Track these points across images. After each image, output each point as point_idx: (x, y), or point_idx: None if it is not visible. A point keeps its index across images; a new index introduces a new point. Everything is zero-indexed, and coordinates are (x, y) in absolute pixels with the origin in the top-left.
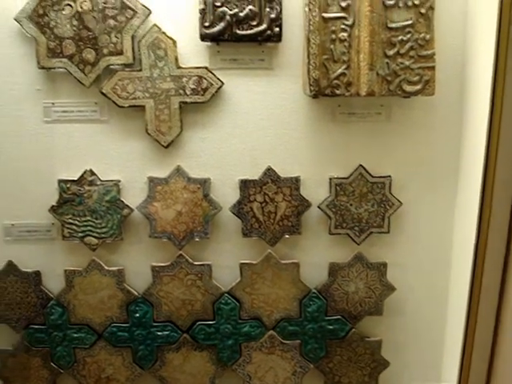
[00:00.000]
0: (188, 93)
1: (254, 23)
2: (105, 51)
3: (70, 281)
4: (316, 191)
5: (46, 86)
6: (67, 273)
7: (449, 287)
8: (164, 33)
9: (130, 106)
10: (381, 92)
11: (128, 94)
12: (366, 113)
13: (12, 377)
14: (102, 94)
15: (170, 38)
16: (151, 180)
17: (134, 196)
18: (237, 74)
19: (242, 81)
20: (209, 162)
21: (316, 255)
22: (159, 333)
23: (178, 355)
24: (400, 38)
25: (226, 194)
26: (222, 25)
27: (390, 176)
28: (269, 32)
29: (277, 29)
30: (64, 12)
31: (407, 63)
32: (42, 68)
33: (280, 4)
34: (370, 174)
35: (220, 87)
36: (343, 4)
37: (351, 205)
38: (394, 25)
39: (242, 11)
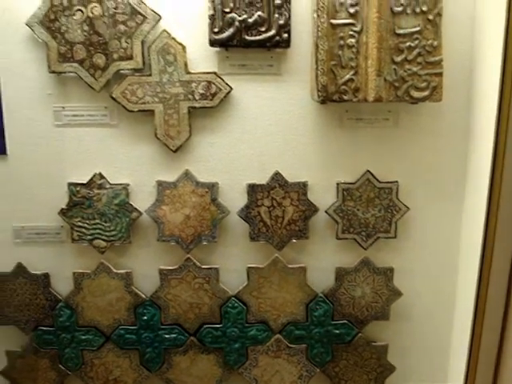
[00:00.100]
0: (197, 98)
1: (263, 29)
2: (115, 56)
3: (78, 283)
4: (323, 196)
5: (56, 91)
6: (76, 275)
7: (456, 292)
8: (173, 38)
9: (139, 111)
10: (388, 98)
11: (137, 99)
12: (374, 118)
13: (20, 378)
14: (112, 98)
15: (180, 44)
16: (160, 184)
17: (142, 199)
18: (245, 79)
19: (250, 86)
20: (217, 166)
21: (323, 260)
22: (166, 335)
23: (185, 358)
24: (408, 44)
25: (234, 199)
26: (231, 30)
27: (397, 181)
28: (277, 38)
29: (285, 35)
30: (75, 17)
31: (415, 69)
32: (53, 72)
33: (289, 10)
34: (377, 180)
35: (229, 92)
36: (351, 10)
37: (358, 210)
38: (401, 31)
39: (250, 17)
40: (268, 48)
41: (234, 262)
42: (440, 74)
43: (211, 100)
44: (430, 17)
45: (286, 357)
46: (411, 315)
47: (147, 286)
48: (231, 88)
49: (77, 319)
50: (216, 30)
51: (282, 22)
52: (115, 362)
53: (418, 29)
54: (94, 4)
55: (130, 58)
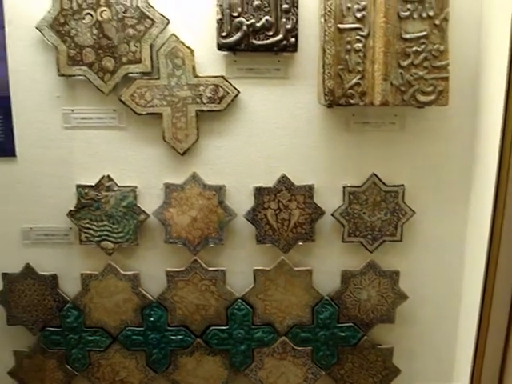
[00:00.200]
0: (205, 101)
1: (271, 33)
2: (124, 60)
3: (86, 284)
4: (330, 199)
5: (65, 93)
6: (83, 276)
7: (461, 295)
8: (182, 42)
9: (147, 114)
10: (395, 102)
11: (146, 102)
12: (380, 122)
13: (27, 378)
14: (121, 101)
15: (188, 48)
16: (167, 186)
17: (150, 202)
18: (253, 83)
19: (257, 90)
20: (224, 169)
21: (329, 262)
22: (173, 337)
23: (191, 359)
24: (414, 48)
25: (241, 201)
26: (238, 35)
27: (403, 185)
28: (285, 42)
29: (293, 39)
30: (84, 21)
31: (421, 74)
32: (62, 75)
33: (296, 15)
34: (383, 183)
35: (236, 96)
36: (358, 15)
37: (364, 213)
38: (408, 36)
39: (258, 21)
40: (275, 52)
41: (241, 264)
42: (446, 79)
43: (219, 103)
44: (437, 22)
45: (291, 359)
46: (417, 318)
47: (154, 288)
48: (239, 92)
49: (84, 320)
50: (224, 34)
51: (289, 26)
52: (122, 363)
53: (424, 33)
54: (103, 8)
55: (139, 61)
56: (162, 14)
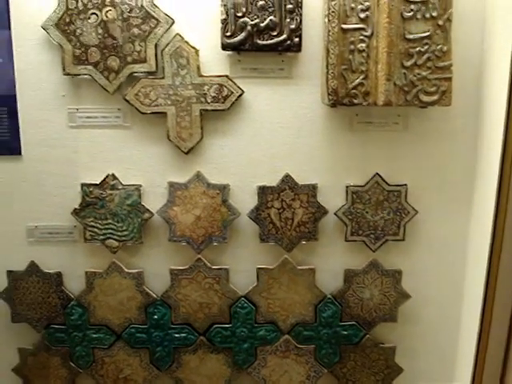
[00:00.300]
0: (209, 100)
1: (275, 33)
2: (129, 59)
3: (90, 282)
4: (333, 198)
5: (70, 92)
6: (88, 274)
7: (463, 295)
8: (186, 42)
9: (152, 113)
10: (398, 102)
11: (150, 101)
12: (384, 122)
13: (31, 375)
14: (126, 100)
15: (193, 47)
16: (171, 185)
17: (154, 200)
18: (257, 82)
19: (261, 89)
20: (228, 168)
21: (332, 261)
22: (176, 335)
23: (194, 357)
24: (417, 49)
25: (245, 200)
26: (243, 35)
27: (406, 184)
28: (289, 42)
29: (297, 39)
30: (90, 20)
31: (424, 74)
32: (68, 75)
33: (300, 15)
34: (386, 183)
35: (240, 95)
36: (362, 15)
37: (367, 212)
38: (411, 36)
39: (262, 22)
40: (279, 52)
41: (244, 262)
42: (449, 79)
43: (223, 103)
44: (440, 22)
45: (294, 357)
46: (419, 317)
47: (158, 286)
48: (243, 91)
49: (88, 318)
50: (228, 33)
51: (293, 26)
52: (126, 361)
53: (427, 34)
54: (108, 8)
55: (144, 60)
56: (166, 14)
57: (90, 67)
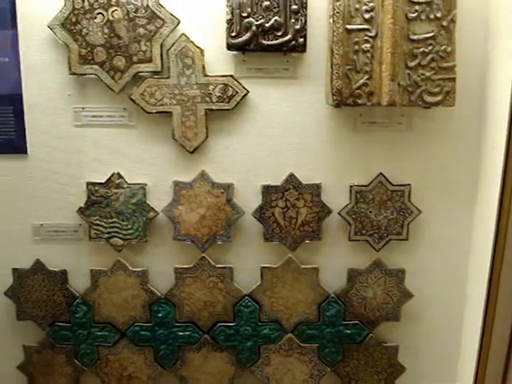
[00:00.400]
0: (214, 100)
1: (280, 34)
2: (134, 59)
3: (95, 280)
4: (336, 198)
5: (76, 92)
6: (93, 272)
7: (466, 294)
8: (192, 42)
9: (157, 112)
10: (402, 102)
11: (156, 101)
12: (387, 122)
13: (36, 373)
14: (131, 100)
15: (198, 47)
16: (176, 184)
17: (159, 199)
18: (261, 82)
19: (266, 89)
20: (233, 167)
21: (335, 261)
22: (181, 333)
23: (198, 355)
24: (421, 49)
25: (249, 199)
26: (248, 35)
27: (409, 184)
28: (293, 42)
29: (301, 39)
30: (96, 20)
31: (428, 74)
32: (74, 74)
33: (305, 15)
34: (389, 182)
35: (245, 95)
36: (366, 16)
37: (371, 212)
38: (415, 37)
39: (267, 22)
40: (284, 52)
41: (248, 261)
42: (453, 79)
43: (228, 102)
44: (444, 23)
45: (297, 356)
46: (422, 316)
47: (162, 284)
48: (248, 91)
49: (93, 316)
50: (233, 34)
51: (298, 26)
52: (130, 358)
53: (431, 34)
54: (114, 8)
55: (149, 60)
56: (172, 14)
57: (95, 67)
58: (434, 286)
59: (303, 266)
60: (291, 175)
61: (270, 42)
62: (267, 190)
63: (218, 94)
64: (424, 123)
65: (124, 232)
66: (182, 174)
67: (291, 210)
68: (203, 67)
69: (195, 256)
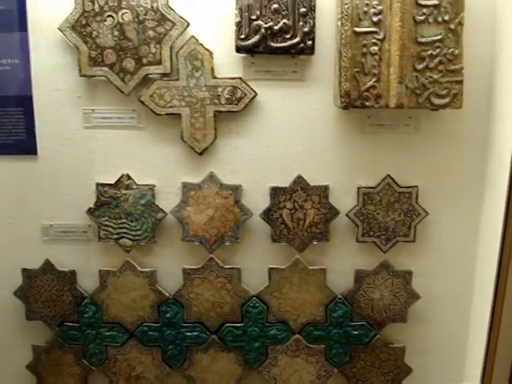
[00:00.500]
0: (223, 102)
1: (288, 36)
2: (144, 61)
3: (104, 280)
4: (344, 200)
5: (86, 93)
6: (102, 273)
7: (473, 295)
8: (201, 44)
9: (166, 114)
10: (409, 104)
11: (165, 103)
12: (395, 124)
13: (45, 372)
14: (141, 101)
15: (207, 50)
16: (185, 185)
17: (168, 200)
18: (270, 84)
19: (275, 91)
20: (241, 169)
21: (343, 262)
22: (188, 333)
23: (206, 356)
24: (429, 52)
25: (257, 201)
26: (256, 37)
27: (416, 186)
28: (302, 45)
29: (310, 42)
30: (106, 23)
31: (436, 77)
32: (84, 76)
33: (313, 18)
34: (397, 184)
35: (253, 97)
36: (375, 19)
37: (378, 214)
38: (423, 40)
39: (276, 25)
40: (292, 55)
41: (256, 262)
42: (460, 82)
43: (236, 104)
44: (452, 26)
45: (304, 356)
46: (429, 318)
47: (171, 285)
48: (256, 93)
49: (101, 316)
50: (242, 36)
51: (306, 29)
52: (138, 359)
53: (439, 37)
54: (124, 10)
55: (159, 62)
56: (181, 17)
57: (105, 69)
58: (441, 288)
59: (311, 267)
60: (299, 177)
61: (278, 45)
62: (275, 192)
63: (227, 96)
64: (431, 125)
65: (133, 233)
66: (190, 176)
67: (299, 212)
68: (212, 69)
69: (203, 257)
